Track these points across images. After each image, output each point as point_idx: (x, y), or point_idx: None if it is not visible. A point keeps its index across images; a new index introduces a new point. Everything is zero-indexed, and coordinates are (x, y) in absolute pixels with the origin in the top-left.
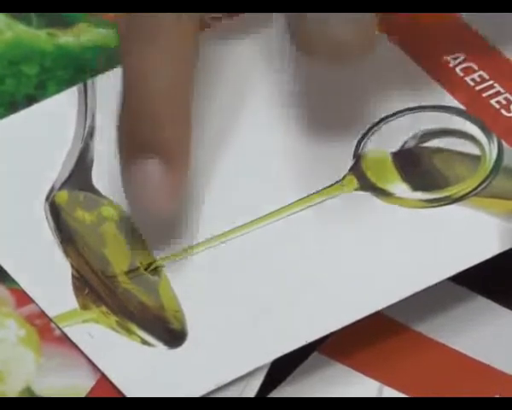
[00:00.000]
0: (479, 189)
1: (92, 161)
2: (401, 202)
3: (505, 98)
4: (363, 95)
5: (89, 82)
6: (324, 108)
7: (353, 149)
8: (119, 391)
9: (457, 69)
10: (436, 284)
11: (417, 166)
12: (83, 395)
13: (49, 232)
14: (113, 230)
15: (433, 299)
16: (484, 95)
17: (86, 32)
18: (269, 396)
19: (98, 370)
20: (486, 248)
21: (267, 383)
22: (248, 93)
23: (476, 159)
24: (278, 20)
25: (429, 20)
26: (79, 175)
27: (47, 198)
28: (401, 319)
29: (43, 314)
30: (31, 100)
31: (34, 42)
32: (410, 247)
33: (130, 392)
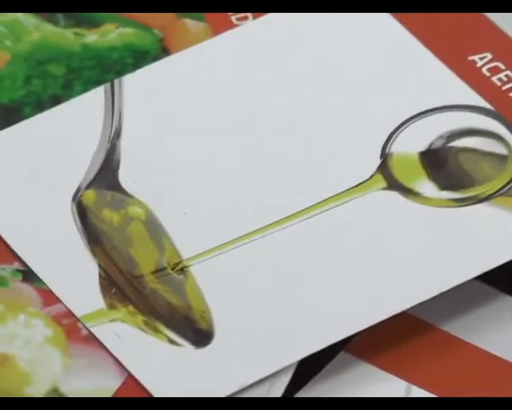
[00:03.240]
0: (506, 188)
1: (119, 161)
2: (428, 201)
3: None
4: (390, 95)
5: (116, 82)
6: (352, 108)
7: (381, 148)
8: (146, 391)
9: (484, 69)
10: (463, 284)
11: (444, 166)
12: (110, 395)
13: (76, 232)
14: (140, 230)
15: (460, 298)
16: (511, 94)
17: (113, 32)
18: (295, 396)
19: (125, 369)
20: None
21: (294, 383)
22: (277, 93)
23: (503, 158)
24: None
25: (455, 19)
26: (106, 175)
27: (74, 198)
28: (428, 319)
29: (70, 314)
30: (57, 100)
31: (61, 42)
32: (437, 246)
33: (157, 391)
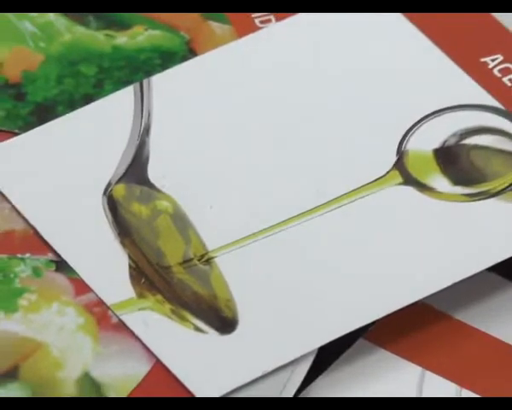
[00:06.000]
0: None
1: (148, 157)
2: (442, 195)
3: None
4: (405, 95)
5: (145, 81)
6: (369, 108)
7: (397, 145)
8: (173, 376)
9: (495, 70)
10: (476, 274)
11: (458, 162)
12: (139, 380)
13: (107, 225)
14: (168, 222)
15: (473, 288)
16: None
17: (142, 35)
18: (315, 381)
19: (153, 355)
20: None
21: (314, 369)
22: (298, 93)
23: None
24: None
25: (468, 22)
26: (136, 170)
27: (104, 192)
28: (442, 308)
29: (101, 303)
30: (89, 99)
31: (92, 43)
32: (451, 238)
33: (183, 376)
